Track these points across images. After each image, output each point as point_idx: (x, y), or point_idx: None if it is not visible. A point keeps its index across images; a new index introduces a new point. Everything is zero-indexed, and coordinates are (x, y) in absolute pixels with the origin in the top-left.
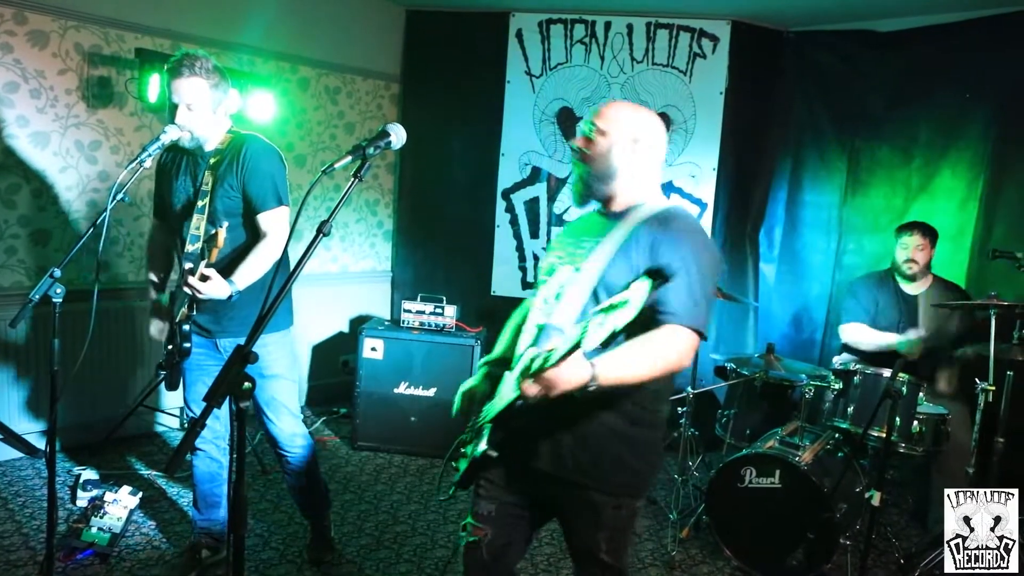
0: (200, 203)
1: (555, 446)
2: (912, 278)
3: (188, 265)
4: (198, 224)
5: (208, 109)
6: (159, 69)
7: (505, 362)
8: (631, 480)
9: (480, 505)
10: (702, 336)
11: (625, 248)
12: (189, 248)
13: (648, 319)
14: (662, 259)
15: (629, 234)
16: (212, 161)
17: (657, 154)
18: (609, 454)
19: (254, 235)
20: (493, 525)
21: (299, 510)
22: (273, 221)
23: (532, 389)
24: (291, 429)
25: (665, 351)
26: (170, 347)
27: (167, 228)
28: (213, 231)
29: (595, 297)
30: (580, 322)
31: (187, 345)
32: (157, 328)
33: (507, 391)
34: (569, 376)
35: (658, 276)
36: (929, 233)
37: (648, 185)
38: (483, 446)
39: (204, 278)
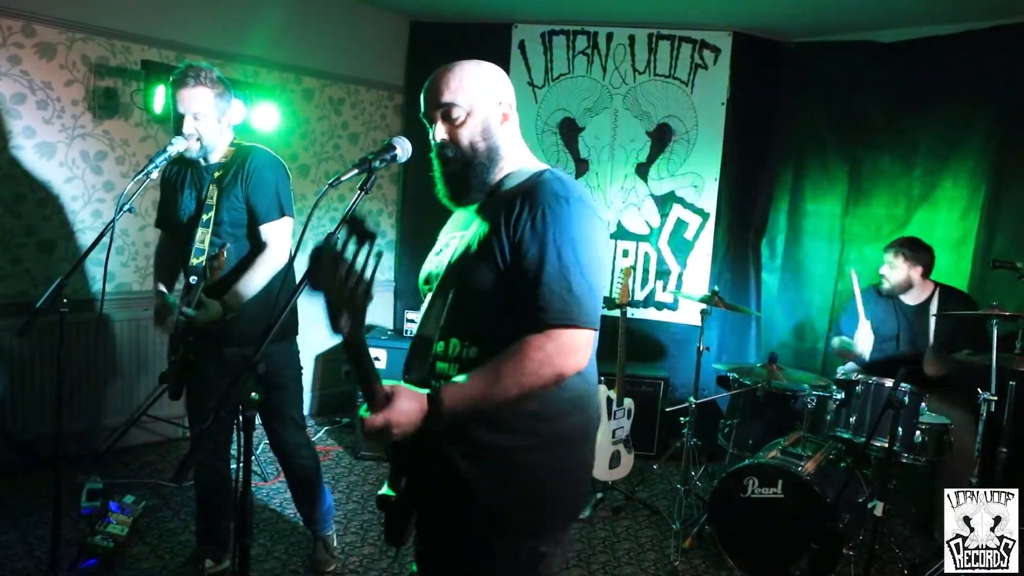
0: (205, 216)
1: (449, 482)
2: (888, 293)
3: (193, 278)
4: (203, 237)
5: (214, 118)
6: (165, 80)
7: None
8: (533, 516)
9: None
10: (591, 329)
11: (488, 234)
12: (194, 261)
13: (517, 317)
14: (523, 246)
15: (492, 216)
16: (216, 175)
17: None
18: (508, 485)
19: (258, 246)
20: None
21: (302, 520)
22: (275, 232)
23: (372, 426)
24: (296, 439)
25: (532, 364)
26: (173, 357)
27: (172, 241)
28: (215, 251)
29: (461, 297)
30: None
31: (192, 357)
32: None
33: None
34: (399, 415)
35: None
36: (902, 252)
37: (517, 150)
38: (382, 489)
39: (199, 305)
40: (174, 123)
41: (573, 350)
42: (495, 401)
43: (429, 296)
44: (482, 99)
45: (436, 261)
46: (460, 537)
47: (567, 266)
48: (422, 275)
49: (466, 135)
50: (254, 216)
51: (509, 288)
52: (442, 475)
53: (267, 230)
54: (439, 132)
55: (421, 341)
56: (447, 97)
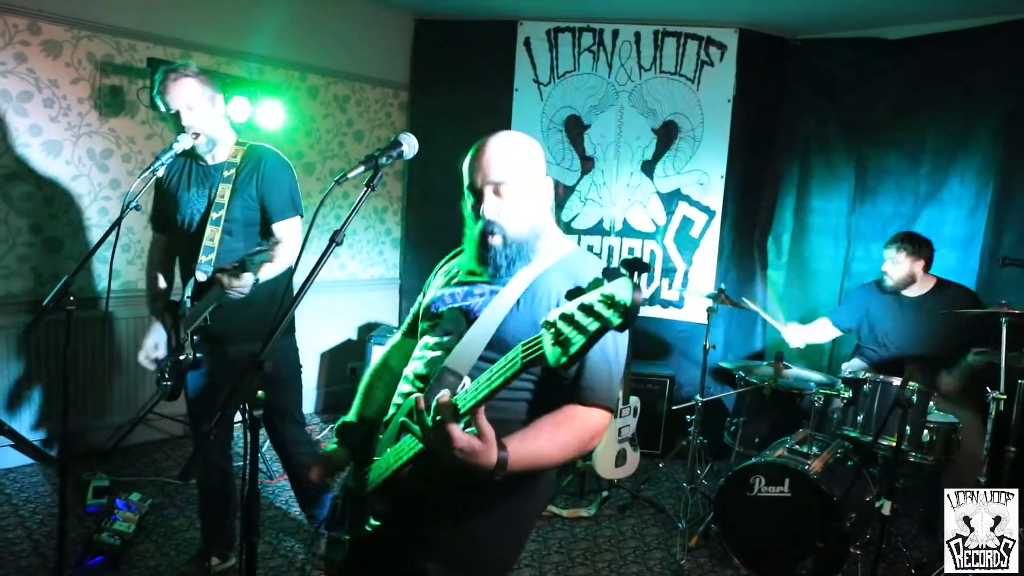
0: (215, 215)
1: (417, 513)
2: (893, 290)
3: (202, 276)
4: (212, 235)
5: (207, 105)
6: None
7: (366, 423)
8: (487, 558)
9: None
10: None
11: (528, 299)
12: (203, 259)
13: (556, 386)
14: None
15: (532, 284)
16: (226, 173)
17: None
18: (476, 527)
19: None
20: None
21: (306, 517)
22: (289, 231)
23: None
24: (295, 437)
25: (582, 434)
26: (181, 357)
27: (167, 242)
28: (261, 249)
29: (491, 349)
30: (477, 380)
31: (199, 355)
32: (152, 344)
33: (389, 456)
34: (475, 458)
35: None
36: (905, 247)
37: (550, 226)
38: (372, 521)
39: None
40: (173, 122)
41: (603, 432)
42: (546, 464)
43: (463, 336)
44: (531, 178)
45: (448, 304)
46: (403, 567)
47: (609, 356)
48: (426, 308)
49: (515, 214)
50: (267, 215)
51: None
52: (413, 505)
53: (281, 228)
54: (489, 209)
55: (449, 374)
56: (499, 176)
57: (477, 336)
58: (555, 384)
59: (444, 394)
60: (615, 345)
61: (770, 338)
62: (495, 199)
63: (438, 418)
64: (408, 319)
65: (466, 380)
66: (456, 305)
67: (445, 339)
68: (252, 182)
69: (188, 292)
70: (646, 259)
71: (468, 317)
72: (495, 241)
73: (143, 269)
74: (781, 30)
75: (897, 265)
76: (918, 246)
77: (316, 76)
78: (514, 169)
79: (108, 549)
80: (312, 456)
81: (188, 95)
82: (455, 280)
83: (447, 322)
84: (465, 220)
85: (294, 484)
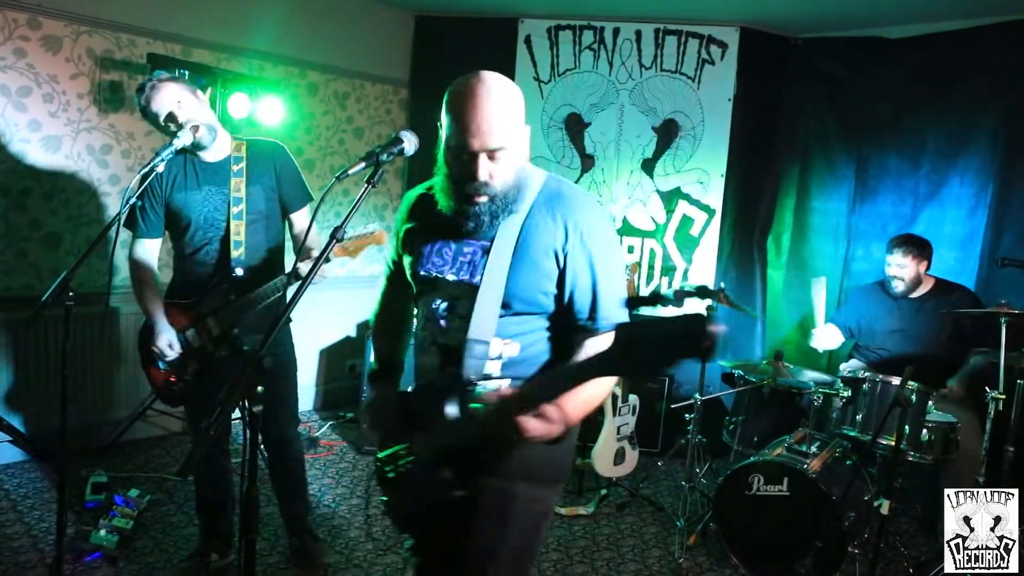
0: (235, 209)
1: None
2: (903, 294)
3: (240, 270)
4: (237, 230)
5: (193, 98)
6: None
7: (389, 365)
8: (550, 464)
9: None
10: None
11: (523, 247)
12: (235, 254)
13: (570, 325)
14: (579, 259)
15: (521, 231)
16: (235, 167)
17: None
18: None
19: (283, 231)
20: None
21: (286, 519)
22: (306, 218)
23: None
24: (291, 432)
25: None
26: (223, 353)
27: (157, 245)
28: (371, 231)
29: (505, 307)
30: (538, 383)
31: (224, 352)
32: (166, 343)
33: (444, 432)
34: (544, 433)
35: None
36: (911, 250)
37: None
38: (457, 492)
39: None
40: (171, 125)
41: None
42: (594, 405)
43: (476, 303)
44: (519, 131)
45: (440, 270)
46: (483, 489)
47: (615, 280)
48: (415, 272)
49: (506, 174)
50: (284, 205)
51: (553, 294)
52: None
53: (299, 217)
54: (482, 172)
55: (476, 344)
56: (498, 142)
57: (488, 300)
58: (569, 324)
59: (504, 390)
60: (617, 268)
61: (769, 337)
62: (489, 163)
63: (507, 414)
64: (390, 266)
65: (494, 341)
66: (452, 274)
67: (456, 305)
68: (270, 174)
69: (220, 289)
70: (645, 258)
71: (471, 286)
72: (481, 200)
73: None
74: (782, 29)
75: (905, 269)
76: (921, 247)
77: (316, 73)
78: (510, 128)
79: (107, 545)
80: (302, 452)
81: (172, 95)
82: (437, 233)
83: (449, 288)
84: (437, 165)
85: (282, 483)
